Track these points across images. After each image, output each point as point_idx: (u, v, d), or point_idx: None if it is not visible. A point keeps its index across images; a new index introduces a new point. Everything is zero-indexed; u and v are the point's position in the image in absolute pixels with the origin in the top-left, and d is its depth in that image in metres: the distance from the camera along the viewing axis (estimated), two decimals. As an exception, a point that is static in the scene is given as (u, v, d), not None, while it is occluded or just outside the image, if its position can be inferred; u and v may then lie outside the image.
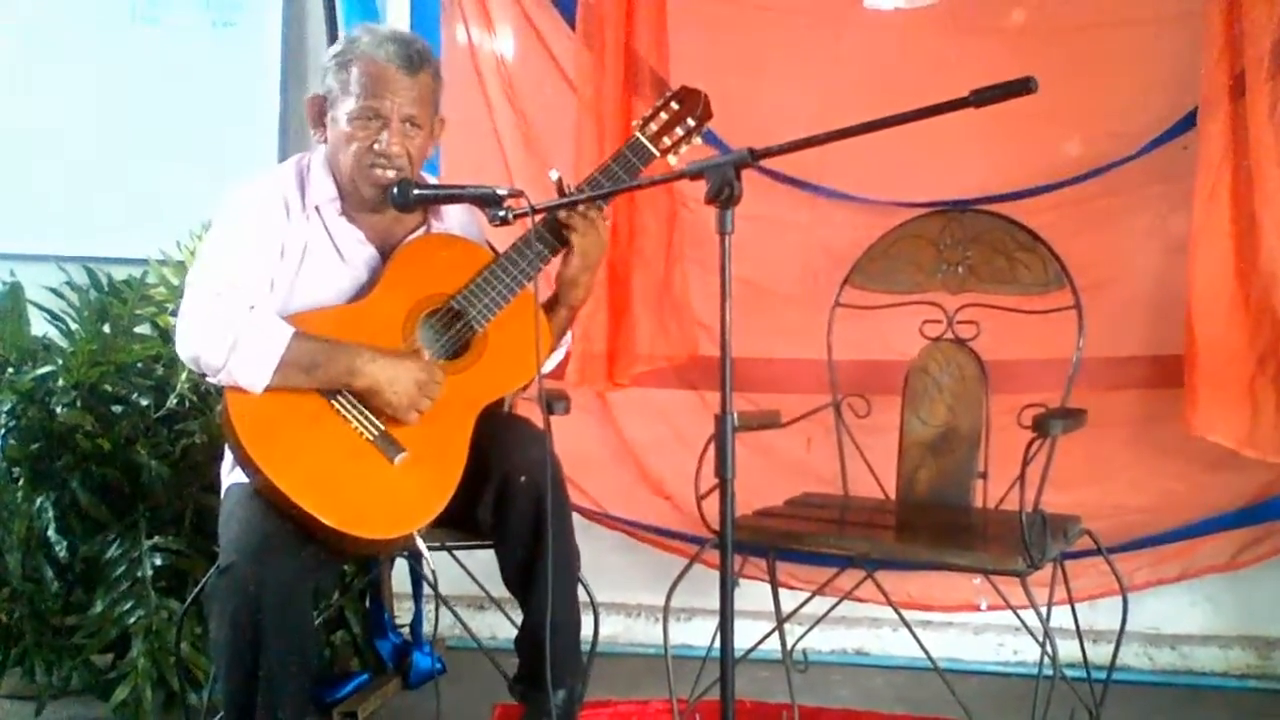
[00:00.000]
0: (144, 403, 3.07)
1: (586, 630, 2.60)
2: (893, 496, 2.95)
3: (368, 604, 3.38)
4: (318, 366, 2.31)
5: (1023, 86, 1.71)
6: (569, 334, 2.69)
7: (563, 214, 2.48)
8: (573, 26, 3.42)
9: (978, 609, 3.39)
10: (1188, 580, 3.38)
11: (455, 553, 2.60)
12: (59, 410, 2.98)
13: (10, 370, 3.07)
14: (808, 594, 2.92)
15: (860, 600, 3.02)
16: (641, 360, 3.44)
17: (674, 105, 2.62)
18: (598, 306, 3.38)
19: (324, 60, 2.52)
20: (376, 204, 2.48)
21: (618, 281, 3.42)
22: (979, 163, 3.32)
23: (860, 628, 3.64)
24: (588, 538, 2.61)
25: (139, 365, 3.10)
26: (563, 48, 3.48)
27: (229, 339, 2.27)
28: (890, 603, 2.72)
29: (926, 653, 2.76)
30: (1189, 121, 3.16)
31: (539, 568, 2.35)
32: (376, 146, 2.42)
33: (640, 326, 3.43)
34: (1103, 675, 2.81)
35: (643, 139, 2.60)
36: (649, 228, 3.42)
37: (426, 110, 2.48)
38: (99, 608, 2.91)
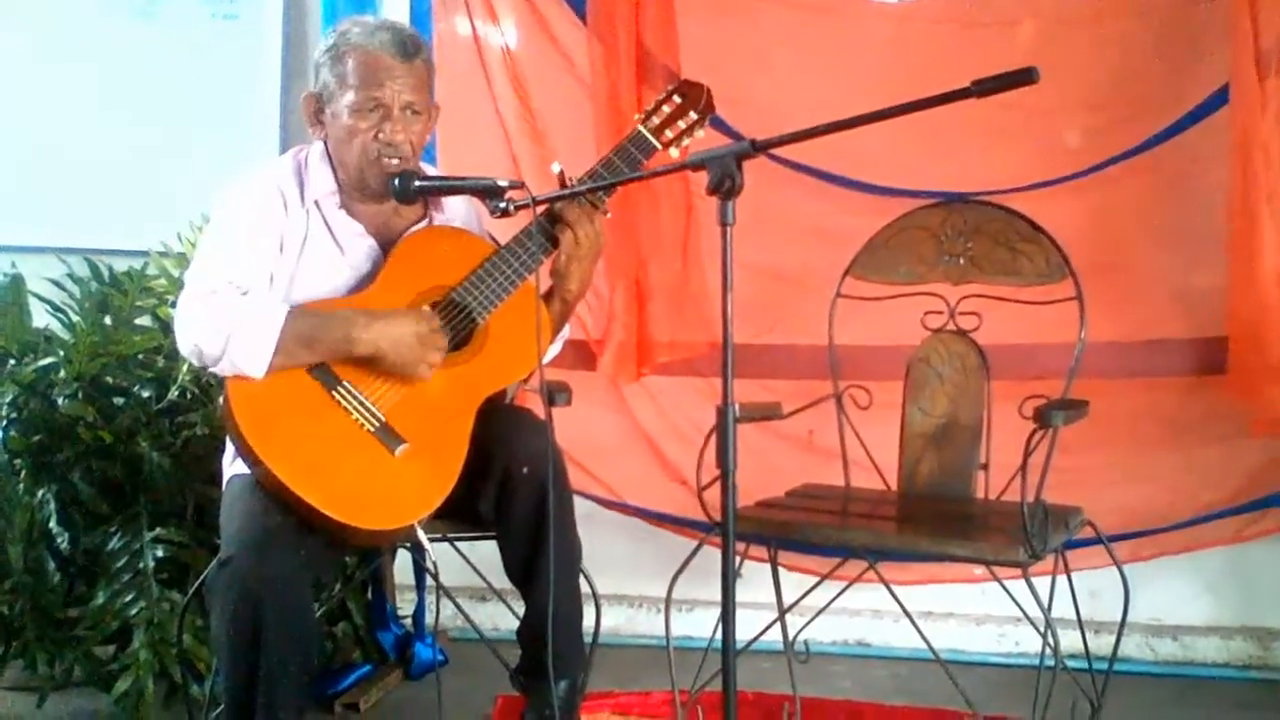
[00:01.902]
0: (145, 394, 3.07)
1: (588, 621, 2.60)
2: (894, 487, 2.95)
3: (369, 595, 3.38)
4: (317, 340, 2.31)
5: (1025, 77, 1.70)
6: (566, 326, 2.69)
7: (559, 207, 2.47)
8: (580, 16, 3.42)
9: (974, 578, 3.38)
10: (1191, 557, 3.37)
11: (457, 544, 2.60)
12: (60, 402, 2.98)
13: (11, 362, 3.07)
14: (809, 585, 2.92)
15: (867, 581, 3.01)
16: (663, 350, 3.45)
17: (676, 98, 2.63)
18: (630, 298, 3.39)
19: (315, 57, 2.51)
20: (378, 196, 2.48)
21: (643, 273, 3.43)
22: (984, 155, 3.33)
23: (862, 619, 3.64)
24: (590, 529, 2.61)
25: (140, 357, 3.09)
26: (569, 38, 3.47)
27: (226, 328, 2.26)
28: (893, 594, 2.72)
29: (928, 644, 2.76)
30: (1188, 120, 3.16)
31: (541, 559, 2.35)
32: (381, 136, 2.42)
33: (661, 317, 3.44)
34: (1104, 666, 2.80)
35: (645, 131, 2.60)
36: (666, 220, 3.43)
37: (424, 96, 2.48)
38: (100, 600, 2.91)
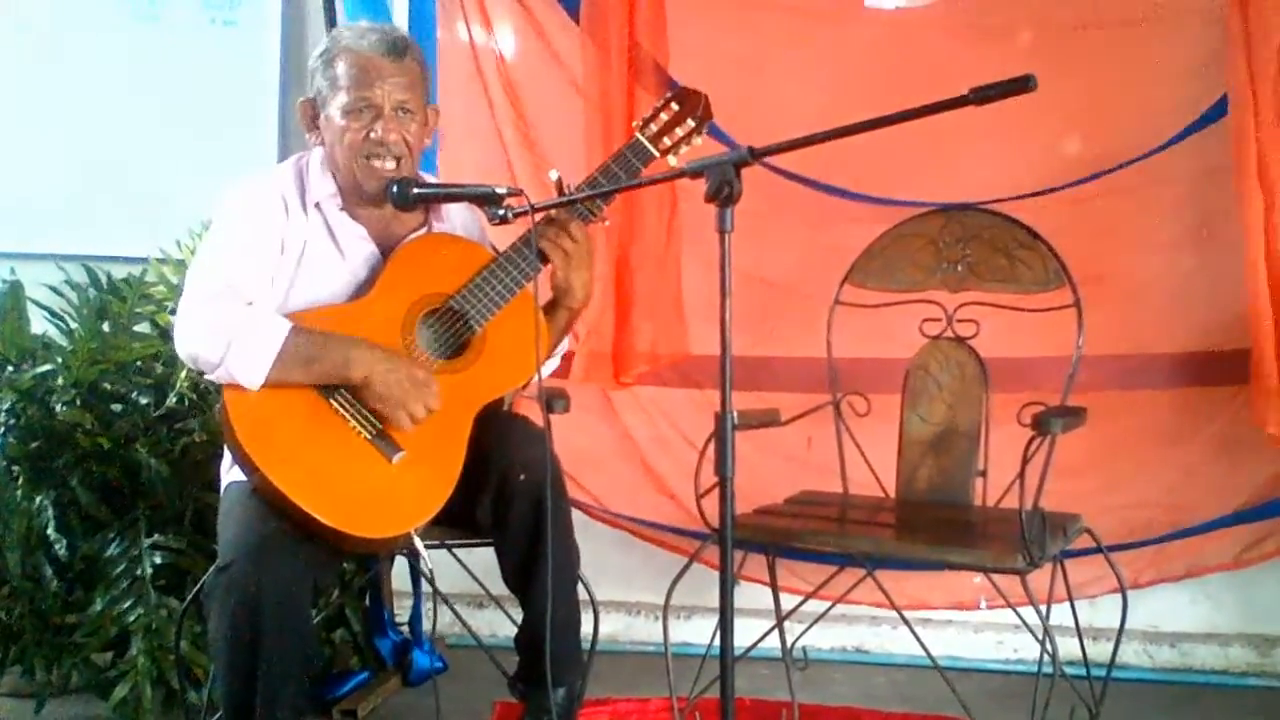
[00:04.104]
0: (144, 401, 3.07)
1: (586, 628, 2.60)
2: (893, 495, 2.95)
3: (367, 602, 3.38)
4: (315, 360, 2.30)
5: (1022, 85, 1.70)
6: (566, 340, 2.69)
7: (543, 223, 2.47)
8: (574, 18, 3.42)
9: (977, 607, 3.39)
10: (1191, 578, 3.38)
11: (455, 551, 2.60)
12: (59, 409, 2.98)
13: (10, 368, 3.07)
14: (807, 593, 2.92)
15: (858, 603, 3.02)
16: (643, 359, 3.44)
17: (674, 106, 2.62)
18: (605, 305, 3.38)
19: (309, 64, 2.51)
20: (377, 199, 2.47)
21: (623, 280, 3.42)
22: (982, 162, 3.33)
23: (860, 626, 3.64)
24: (587, 536, 2.61)
25: (138, 364, 3.10)
26: (565, 43, 3.48)
27: (226, 336, 2.26)
28: (891, 603, 2.72)
29: (926, 651, 2.76)
30: (1196, 126, 3.16)
31: (538, 566, 2.35)
32: (373, 135, 2.42)
33: (641, 325, 3.43)
34: (1102, 673, 2.80)
35: (643, 139, 2.59)
36: (651, 227, 3.42)
37: (417, 96, 2.48)
38: (99, 606, 2.91)
